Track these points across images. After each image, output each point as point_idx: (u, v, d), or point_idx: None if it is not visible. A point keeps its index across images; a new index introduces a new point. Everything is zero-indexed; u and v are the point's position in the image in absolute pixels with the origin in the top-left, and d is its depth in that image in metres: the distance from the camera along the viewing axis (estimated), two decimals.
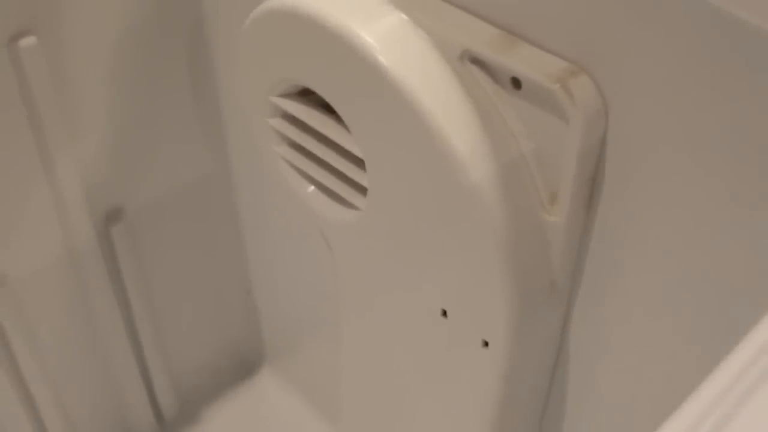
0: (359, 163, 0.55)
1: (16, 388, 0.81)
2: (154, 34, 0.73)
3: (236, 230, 0.91)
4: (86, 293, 0.82)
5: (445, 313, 0.56)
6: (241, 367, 1.03)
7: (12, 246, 0.74)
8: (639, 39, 0.43)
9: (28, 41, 0.64)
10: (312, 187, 0.60)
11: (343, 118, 0.53)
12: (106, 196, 0.78)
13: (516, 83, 0.47)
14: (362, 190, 0.56)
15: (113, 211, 0.80)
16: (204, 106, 0.80)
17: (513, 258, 0.49)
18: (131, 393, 0.92)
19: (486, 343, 0.54)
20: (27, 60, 0.65)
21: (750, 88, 0.40)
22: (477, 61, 0.48)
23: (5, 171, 0.70)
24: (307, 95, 0.57)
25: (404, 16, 0.50)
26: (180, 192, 0.84)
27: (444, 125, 0.47)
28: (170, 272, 0.89)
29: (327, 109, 0.55)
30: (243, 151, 0.83)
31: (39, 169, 0.72)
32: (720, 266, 0.46)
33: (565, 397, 0.60)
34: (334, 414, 0.89)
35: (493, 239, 0.49)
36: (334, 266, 0.64)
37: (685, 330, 0.50)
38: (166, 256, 0.87)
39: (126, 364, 0.89)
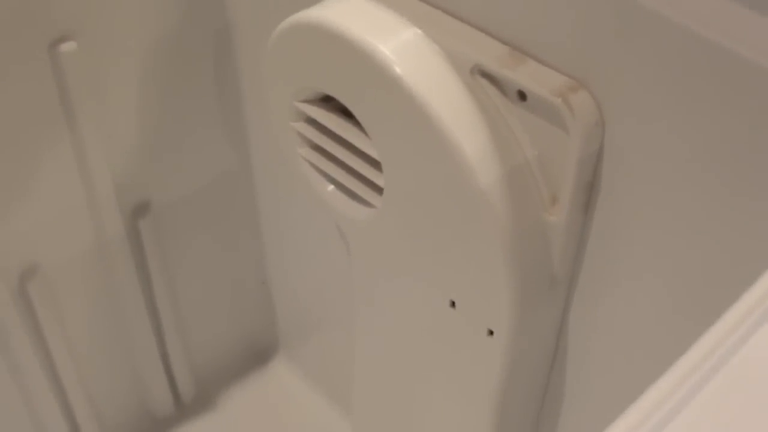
0: (376, 164, 0.59)
1: (46, 369, 0.84)
2: (183, 39, 0.76)
3: (255, 224, 0.94)
4: (113, 282, 0.85)
5: (453, 304, 0.60)
6: (257, 354, 1.06)
7: (45, 237, 0.78)
8: (632, 59, 0.47)
9: (68, 46, 0.68)
10: (332, 187, 0.64)
11: (362, 123, 0.58)
12: (135, 191, 0.82)
13: (522, 96, 0.51)
14: (379, 189, 0.60)
15: (141, 205, 0.83)
16: (228, 107, 0.84)
17: (516, 254, 0.54)
18: (152, 377, 0.95)
19: (491, 332, 0.58)
20: (67, 64, 0.68)
21: (723, 103, 0.44)
22: (486, 75, 0.52)
23: (42, 166, 0.74)
24: (328, 101, 0.61)
25: (419, 32, 0.54)
26: (203, 187, 0.87)
27: (454, 132, 0.51)
28: (192, 263, 0.92)
29: (346, 114, 0.60)
30: (264, 149, 0.86)
31: (73, 165, 0.76)
32: (706, 261, 0.50)
33: (564, 381, 0.64)
34: (346, 401, 0.92)
35: (499, 237, 0.53)
36: (350, 260, 0.68)
37: (677, 319, 0.54)
38: (189, 248, 0.90)
39: (148, 350, 0.93)
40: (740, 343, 0.30)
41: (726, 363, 0.29)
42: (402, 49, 0.54)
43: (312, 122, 0.62)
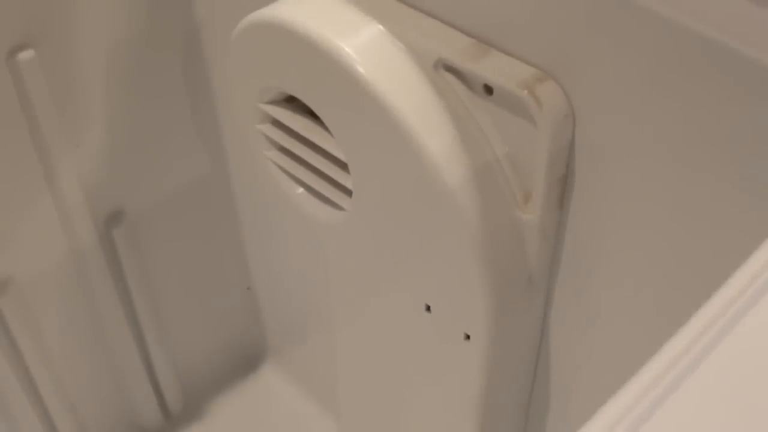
0: (344, 166, 0.57)
1: (25, 386, 0.83)
2: (149, 42, 0.74)
3: (235, 228, 0.92)
4: (91, 294, 0.83)
5: (428, 308, 0.58)
6: (244, 361, 1.04)
7: (17, 250, 0.76)
8: (601, 48, 0.45)
9: (26, 54, 0.66)
10: (301, 189, 0.62)
11: (326, 124, 0.55)
12: (108, 200, 0.80)
13: (488, 90, 0.49)
14: (348, 192, 0.58)
15: (114, 214, 0.81)
16: (200, 109, 0.81)
17: (489, 254, 0.51)
18: (137, 389, 0.93)
19: (468, 336, 0.56)
20: (26, 72, 0.66)
21: (697, 91, 0.42)
22: (451, 69, 0.50)
23: (8, 178, 0.72)
24: (293, 101, 0.59)
25: (381, 28, 0.52)
26: (179, 193, 0.85)
27: (420, 131, 0.49)
28: (172, 271, 0.90)
29: (312, 114, 0.57)
30: (240, 151, 0.84)
31: (41, 175, 0.73)
32: (686, 252, 0.48)
33: (549, 386, 0.62)
34: (336, 406, 0.90)
35: (470, 238, 0.51)
36: (324, 264, 0.66)
37: (663, 311, 0.52)
38: (167, 256, 0.89)
39: (131, 362, 0.91)
40: (725, 330, 0.28)
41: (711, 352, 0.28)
42: (364, 47, 0.51)
43: (278, 124, 0.60)
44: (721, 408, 0.26)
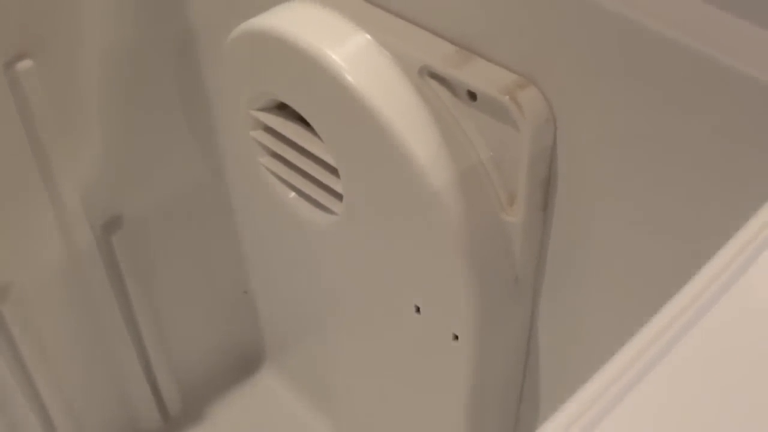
0: (334, 171, 0.58)
1: (25, 389, 0.83)
2: (144, 51, 0.75)
3: (232, 232, 0.93)
4: (90, 299, 0.84)
5: (418, 309, 0.60)
6: (243, 364, 1.05)
7: (17, 256, 0.77)
8: (579, 54, 0.46)
9: (24, 64, 0.67)
10: (293, 194, 0.63)
11: (317, 130, 0.57)
12: (106, 206, 0.81)
13: (472, 96, 0.50)
14: (338, 196, 0.59)
15: (113, 219, 0.82)
16: (196, 116, 0.82)
17: (475, 256, 0.53)
18: (137, 392, 0.94)
19: (456, 337, 0.58)
20: (24, 82, 0.68)
21: (672, 94, 0.43)
22: (435, 76, 0.52)
23: (8, 186, 0.73)
24: (285, 108, 0.60)
25: (368, 37, 0.53)
26: (177, 198, 0.86)
27: (406, 136, 0.51)
28: (170, 275, 0.91)
29: (303, 121, 0.59)
30: (236, 156, 0.86)
31: (40, 183, 0.74)
32: (668, 249, 0.49)
33: (539, 385, 0.63)
34: (332, 408, 0.91)
35: (455, 240, 0.52)
36: (318, 266, 0.68)
37: (648, 309, 0.53)
38: (165, 260, 0.89)
39: (131, 365, 0.92)
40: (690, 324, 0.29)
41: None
42: (352, 56, 0.53)
43: (270, 130, 0.62)
44: (673, 409, 0.27)
